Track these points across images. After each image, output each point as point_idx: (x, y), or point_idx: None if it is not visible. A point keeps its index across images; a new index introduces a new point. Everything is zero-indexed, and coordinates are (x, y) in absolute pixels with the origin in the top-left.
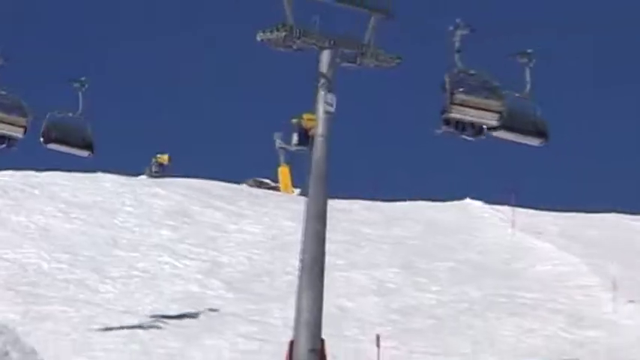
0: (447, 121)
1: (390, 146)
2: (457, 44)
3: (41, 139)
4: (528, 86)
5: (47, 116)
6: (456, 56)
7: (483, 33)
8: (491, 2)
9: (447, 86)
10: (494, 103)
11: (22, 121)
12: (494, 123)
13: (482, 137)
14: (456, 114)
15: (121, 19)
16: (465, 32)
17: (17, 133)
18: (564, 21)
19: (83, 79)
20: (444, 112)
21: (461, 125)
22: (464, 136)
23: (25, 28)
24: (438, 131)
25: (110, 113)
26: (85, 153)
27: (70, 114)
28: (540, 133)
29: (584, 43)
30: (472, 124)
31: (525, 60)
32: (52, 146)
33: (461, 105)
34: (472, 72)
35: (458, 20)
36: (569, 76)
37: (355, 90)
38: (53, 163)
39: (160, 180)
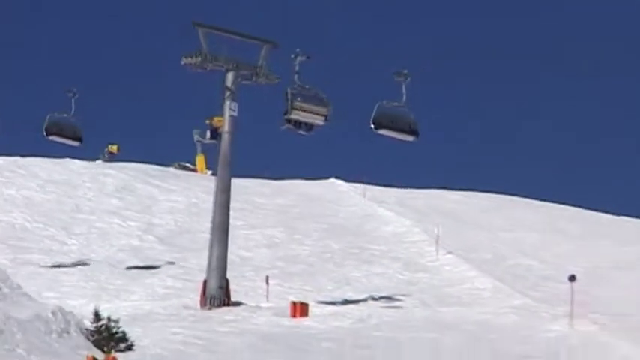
0: (288, 121)
1: (277, 139)
2: (297, 67)
3: (44, 133)
4: (404, 98)
5: (48, 116)
6: (296, 76)
7: (319, 58)
8: (355, 32)
9: (288, 96)
10: (321, 109)
11: None
12: (320, 123)
13: (312, 133)
14: (294, 116)
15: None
16: (303, 59)
17: None
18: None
19: (75, 89)
20: (285, 114)
21: (298, 124)
22: (300, 132)
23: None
24: (282, 127)
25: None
26: (76, 144)
27: (65, 115)
28: (413, 132)
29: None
30: (305, 124)
31: (402, 78)
32: (52, 138)
33: (297, 109)
34: (307, 86)
35: (297, 50)
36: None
37: (252, 99)
38: (34, 152)
39: (111, 164)
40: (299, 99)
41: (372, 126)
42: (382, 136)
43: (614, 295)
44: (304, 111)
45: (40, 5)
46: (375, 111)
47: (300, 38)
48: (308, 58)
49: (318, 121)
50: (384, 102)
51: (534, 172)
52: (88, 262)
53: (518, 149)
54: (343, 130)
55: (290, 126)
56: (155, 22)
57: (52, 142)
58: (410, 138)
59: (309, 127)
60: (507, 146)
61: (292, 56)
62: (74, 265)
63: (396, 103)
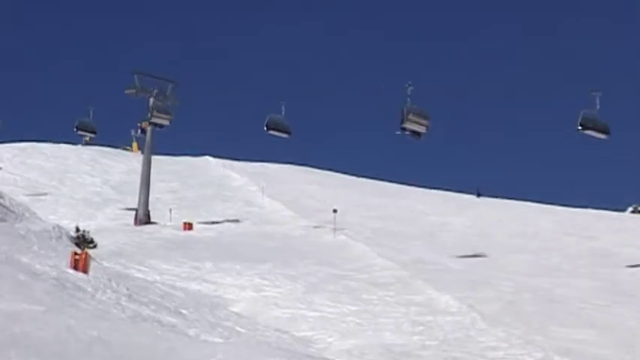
0: (151, 123)
1: (176, 134)
2: (154, 92)
3: (75, 129)
4: (283, 112)
5: (78, 120)
6: (154, 98)
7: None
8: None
9: (150, 108)
10: (166, 116)
11: None
12: (167, 123)
13: (161, 129)
14: (154, 120)
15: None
16: (172, 88)
17: None
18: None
19: (93, 107)
20: (148, 119)
21: (154, 124)
22: (156, 128)
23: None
24: (144, 126)
25: (54, 114)
26: (93, 135)
27: (87, 119)
28: (289, 132)
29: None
30: (160, 124)
31: (282, 102)
32: (80, 132)
33: (155, 116)
34: (162, 103)
35: (160, 80)
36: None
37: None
38: (41, 139)
39: (87, 147)
40: (156, 110)
41: (265, 128)
42: (271, 134)
43: (357, 222)
44: (158, 117)
45: (44, 50)
46: (267, 119)
47: (201, 75)
48: (175, 86)
49: (166, 122)
50: (273, 114)
51: (320, 151)
52: (72, 199)
53: (314, 137)
54: (214, 128)
55: (150, 126)
56: (109, 67)
57: (79, 135)
58: (286, 135)
59: (160, 126)
60: (310, 136)
61: (151, 88)
62: (64, 202)
63: (279, 116)
